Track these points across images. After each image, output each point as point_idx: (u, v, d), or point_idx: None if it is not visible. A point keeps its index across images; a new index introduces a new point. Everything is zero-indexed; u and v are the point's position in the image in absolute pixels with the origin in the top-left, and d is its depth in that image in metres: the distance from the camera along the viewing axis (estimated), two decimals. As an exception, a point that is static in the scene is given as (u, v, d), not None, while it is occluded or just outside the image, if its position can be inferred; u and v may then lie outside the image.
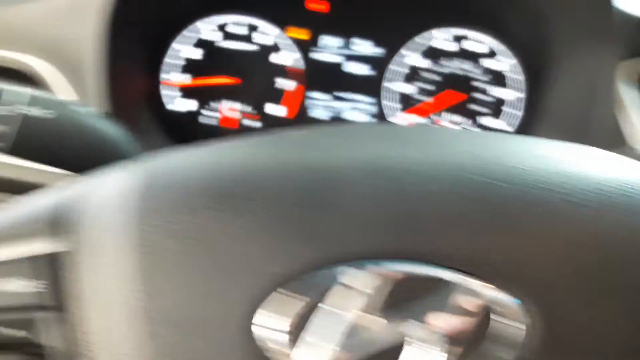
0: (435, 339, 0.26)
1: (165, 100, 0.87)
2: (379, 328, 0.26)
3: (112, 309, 0.27)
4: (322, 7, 0.87)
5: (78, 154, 0.47)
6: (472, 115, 0.88)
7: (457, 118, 0.88)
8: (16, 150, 0.43)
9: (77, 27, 0.72)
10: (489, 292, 0.26)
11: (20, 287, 0.28)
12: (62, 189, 0.32)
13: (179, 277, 0.27)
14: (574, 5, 0.72)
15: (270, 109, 0.88)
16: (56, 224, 0.29)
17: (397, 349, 0.26)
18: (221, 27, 0.87)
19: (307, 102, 0.88)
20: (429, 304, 0.26)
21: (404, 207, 0.27)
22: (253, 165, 0.29)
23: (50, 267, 0.28)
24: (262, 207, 0.27)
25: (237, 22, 0.87)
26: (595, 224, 0.27)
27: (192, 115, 0.88)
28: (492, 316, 0.26)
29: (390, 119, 0.89)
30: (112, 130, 0.50)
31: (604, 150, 0.33)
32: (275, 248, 0.26)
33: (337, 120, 0.89)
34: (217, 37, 0.87)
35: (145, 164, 0.31)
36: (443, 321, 0.26)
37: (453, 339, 0.26)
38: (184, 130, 0.87)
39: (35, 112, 0.43)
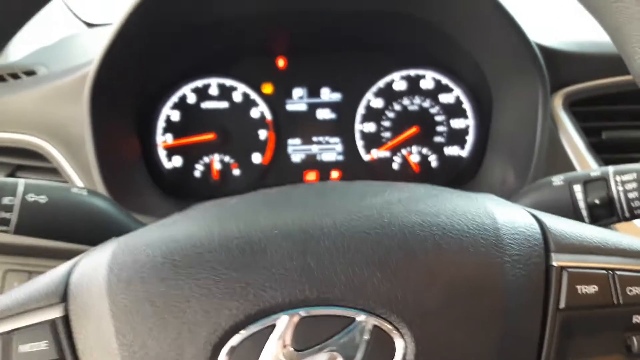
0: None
1: (159, 160, 0.97)
2: (300, 358, 0.34)
3: (99, 358, 0.36)
4: (284, 65, 0.97)
5: (72, 228, 0.56)
6: (434, 147, 0.96)
7: (421, 150, 0.96)
8: (19, 231, 0.53)
9: (67, 109, 0.82)
10: (375, 322, 0.34)
11: (33, 347, 0.37)
12: (56, 270, 0.41)
13: (146, 332, 0.35)
14: (499, 46, 0.80)
15: (249, 159, 0.97)
16: (54, 296, 0.38)
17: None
18: (201, 90, 0.97)
19: (282, 149, 0.98)
20: (333, 335, 0.34)
21: (312, 264, 0.35)
22: (194, 240, 0.38)
23: (52, 330, 0.37)
24: (204, 273, 0.36)
25: (215, 84, 0.97)
26: (449, 269, 0.35)
27: (181, 171, 0.97)
28: (377, 340, 0.34)
29: (363, 156, 0.97)
30: (100, 203, 0.59)
31: (466, 195, 0.41)
32: (220, 305, 0.35)
33: (311, 161, 0.98)
34: (197, 99, 0.97)
35: (115, 244, 0.40)
36: (344, 347, 0.34)
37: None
38: (176, 185, 0.97)
39: (30, 198, 0.52)
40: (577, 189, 0.55)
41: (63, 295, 0.37)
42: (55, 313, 0.37)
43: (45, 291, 0.38)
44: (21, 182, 0.53)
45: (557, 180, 0.57)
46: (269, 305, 0.35)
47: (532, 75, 0.79)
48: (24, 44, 1.20)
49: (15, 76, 0.94)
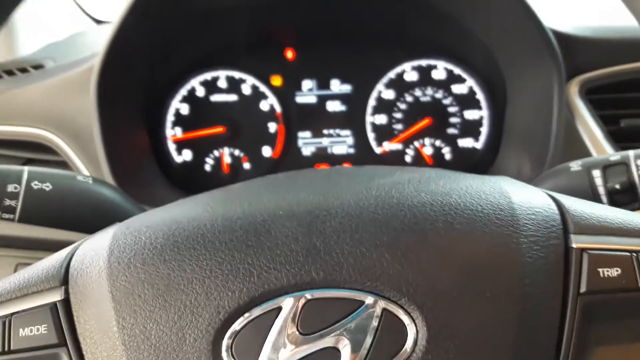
0: (346, 346, 0.32)
1: (168, 153, 0.96)
2: (307, 342, 0.33)
3: (100, 342, 0.34)
4: (293, 57, 0.96)
5: (77, 216, 0.55)
6: (448, 138, 0.94)
7: (434, 142, 0.94)
8: (23, 219, 0.52)
9: (75, 101, 0.81)
10: (385, 305, 0.33)
11: (33, 331, 0.36)
12: (57, 254, 0.40)
13: (146, 315, 0.34)
14: (513, 33, 0.78)
15: (259, 152, 0.96)
16: (55, 279, 0.37)
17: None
18: (210, 83, 0.96)
19: (292, 142, 0.96)
20: (340, 319, 0.33)
21: (318, 245, 0.34)
22: (197, 221, 0.36)
23: (52, 314, 0.36)
24: (207, 255, 0.34)
25: (224, 76, 0.96)
26: (462, 249, 0.34)
27: (191, 164, 0.96)
28: (387, 325, 0.32)
29: (374, 149, 0.96)
30: (106, 191, 0.58)
31: (479, 176, 0.40)
32: (223, 287, 0.33)
33: (321, 154, 0.96)
34: (206, 92, 0.96)
35: (116, 227, 0.39)
36: (352, 332, 0.33)
37: (359, 346, 0.32)
38: (186, 179, 0.96)
39: (35, 185, 0.51)
40: (596, 174, 0.53)
41: (63, 278, 0.36)
42: (56, 296, 0.36)
43: (45, 274, 0.37)
44: (25, 170, 0.52)
45: (575, 165, 0.55)
46: (274, 287, 0.33)
47: (547, 63, 0.77)
48: (34, 42, 1.20)
49: (24, 70, 0.94)
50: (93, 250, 0.37)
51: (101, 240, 0.38)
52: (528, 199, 0.38)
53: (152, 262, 0.35)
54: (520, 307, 0.33)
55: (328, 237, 0.34)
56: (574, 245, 0.35)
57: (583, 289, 0.34)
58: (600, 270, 0.35)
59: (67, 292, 0.36)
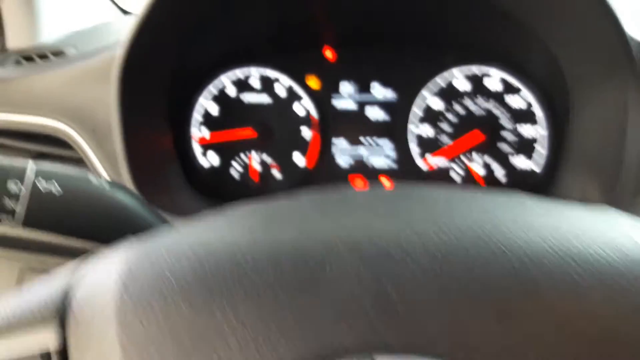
0: None
1: (193, 156, 0.88)
2: None
3: None
4: (331, 56, 0.88)
5: (89, 224, 0.47)
6: (499, 155, 0.85)
7: (484, 159, 0.85)
8: (28, 223, 0.44)
9: (94, 92, 0.74)
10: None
11: None
12: (52, 281, 0.32)
13: None
14: (586, 39, 0.69)
15: (290, 159, 0.88)
16: (49, 319, 0.29)
17: None
18: (240, 81, 0.88)
19: (326, 150, 0.88)
20: None
21: (389, 291, 0.26)
22: (233, 250, 0.28)
23: None
24: (244, 298, 0.26)
25: (256, 75, 0.88)
26: (595, 319, 0.25)
27: (217, 169, 0.89)
28: None
29: (416, 162, 0.87)
30: (124, 198, 0.51)
31: (584, 210, 0.31)
32: (264, 344, 0.25)
33: (358, 166, 0.88)
34: (237, 91, 0.88)
35: (130, 251, 0.31)
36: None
37: None
38: (211, 184, 0.88)
39: (42, 186, 0.44)
40: None
41: (59, 314, 0.29)
42: (49, 341, 0.28)
43: (37, 309, 0.29)
44: (31, 166, 0.45)
45: None
46: (331, 347, 0.25)
47: (623, 75, 0.67)
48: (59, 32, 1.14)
49: (43, 57, 0.87)
50: (99, 280, 0.29)
51: (109, 268, 0.30)
52: None
53: (173, 302, 0.27)
54: None
55: (405, 283, 0.26)
56: None
57: None
58: None
59: (63, 338, 0.28)
